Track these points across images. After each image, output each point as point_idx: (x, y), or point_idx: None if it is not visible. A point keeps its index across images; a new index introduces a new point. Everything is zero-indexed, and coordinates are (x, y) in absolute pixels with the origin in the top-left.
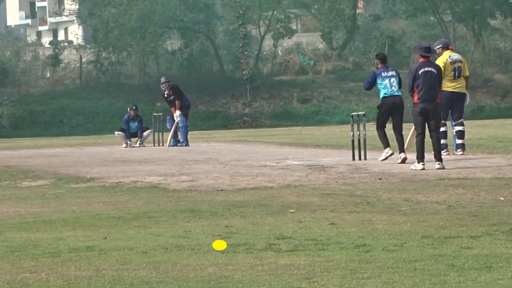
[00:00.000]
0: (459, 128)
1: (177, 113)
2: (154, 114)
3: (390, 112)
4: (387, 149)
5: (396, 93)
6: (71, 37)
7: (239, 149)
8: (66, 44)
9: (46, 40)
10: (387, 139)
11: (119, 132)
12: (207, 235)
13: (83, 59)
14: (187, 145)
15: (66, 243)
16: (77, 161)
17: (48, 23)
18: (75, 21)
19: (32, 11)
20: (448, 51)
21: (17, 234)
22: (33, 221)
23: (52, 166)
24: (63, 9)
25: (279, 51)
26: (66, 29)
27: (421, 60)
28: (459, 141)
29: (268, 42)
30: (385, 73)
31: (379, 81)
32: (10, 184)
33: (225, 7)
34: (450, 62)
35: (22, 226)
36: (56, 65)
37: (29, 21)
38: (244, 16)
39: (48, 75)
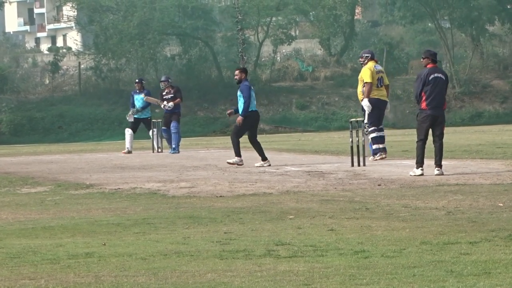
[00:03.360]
0: (381, 133)
1: (170, 104)
2: (154, 120)
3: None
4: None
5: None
6: (69, 43)
7: None
8: (65, 50)
9: (44, 46)
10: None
11: (128, 130)
12: (206, 241)
13: (82, 66)
14: (178, 152)
15: (65, 249)
16: (76, 168)
17: (46, 30)
18: (74, 27)
19: (30, 18)
20: (373, 61)
21: (16, 240)
22: (32, 228)
23: (51, 172)
24: (62, 16)
25: (277, 57)
26: (65, 36)
27: (429, 66)
28: (381, 146)
29: (266, 48)
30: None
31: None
32: (9, 190)
33: (223, 13)
34: (376, 72)
35: (21, 232)
36: (55, 71)
37: (27, 27)
38: (242, 21)
39: (47, 81)
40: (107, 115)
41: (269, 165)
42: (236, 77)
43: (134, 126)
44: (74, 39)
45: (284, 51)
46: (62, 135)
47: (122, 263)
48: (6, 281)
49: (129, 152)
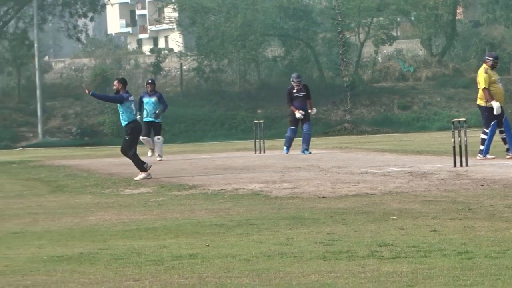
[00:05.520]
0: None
1: (313, 111)
2: (255, 121)
3: None
4: None
5: None
6: (171, 44)
7: (340, 156)
8: (167, 52)
9: (146, 48)
10: None
11: (145, 138)
12: (309, 242)
13: (184, 67)
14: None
15: (169, 250)
16: (179, 169)
17: (148, 31)
18: (176, 29)
19: (132, 19)
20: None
21: (120, 242)
22: (136, 229)
23: (154, 173)
24: (163, 17)
25: (379, 58)
26: (166, 37)
27: None
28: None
29: (367, 49)
30: None
31: None
32: (112, 192)
33: (324, 15)
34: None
35: (125, 234)
36: (157, 73)
37: (129, 29)
38: (342, 23)
39: None
40: (209, 116)
41: (151, 178)
42: (114, 87)
43: (148, 131)
44: (176, 41)
45: (385, 51)
46: (165, 136)
47: (225, 264)
48: (111, 282)
49: (160, 157)
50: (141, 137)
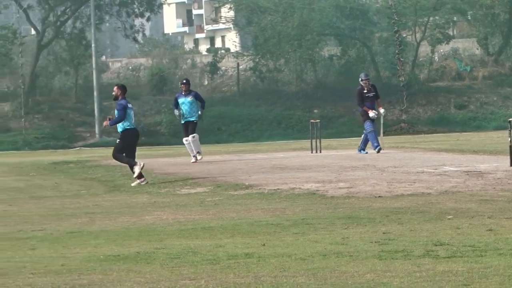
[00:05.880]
0: None
1: (382, 110)
2: (312, 120)
3: None
4: None
5: None
6: (228, 44)
7: (396, 156)
8: (223, 51)
9: (203, 47)
10: None
11: (187, 139)
12: (365, 241)
13: (241, 66)
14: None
15: (225, 250)
16: (235, 168)
17: (205, 31)
18: (232, 28)
19: (189, 19)
20: None
21: (176, 241)
22: (192, 228)
23: (210, 173)
24: (220, 17)
25: (435, 57)
26: (223, 37)
27: None
28: None
29: (424, 48)
30: None
31: None
32: (169, 191)
33: (380, 14)
34: None
35: (181, 233)
36: (214, 72)
37: (186, 29)
38: (399, 22)
39: (206, 82)
40: (266, 116)
41: (147, 182)
42: (113, 93)
43: (187, 133)
44: (232, 41)
45: (441, 50)
46: (221, 136)
47: (281, 264)
48: (167, 281)
49: (197, 158)
50: (183, 140)
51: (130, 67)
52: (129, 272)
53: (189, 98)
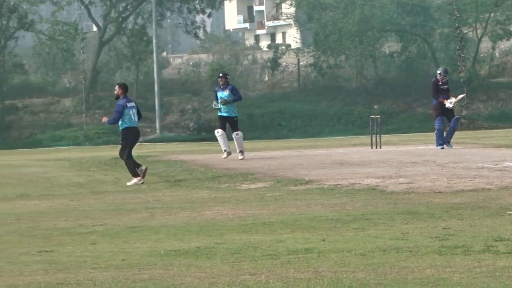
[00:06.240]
0: None
1: (454, 103)
2: (372, 116)
3: None
4: None
5: None
6: (288, 40)
7: (456, 151)
8: (284, 48)
9: (264, 43)
10: None
11: (219, 131)
12: (425, 237)
13: (301, 62)
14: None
15: (285, 245)
16: (295, 164)
17: (266, 27)
18: (293, 25)
19: (250, 15)
20: None
21: (236, 236)
22: (252, 223)
23: (271, 168)
24: (281, 13)
25: (496, 53)
26: (284, 33)
27: None
28: None
29: (484, 44)
30: None
31: None
32: (229, 186)
33: (441, 10)
34: None
35: (242, 228)
36: (274, 68)
37: (247, 25)
38: (460, 18)
39: (267, 78)
40: (326, 112)
41: (142, 182)
42: (115, 92)
43: (222, 126)
44: (293, 37)
45: (502, 46)
46: (282, 132)
47: (341, 259)
48: (227, 276)
49: (229, 153)
50: (215, 131)
51: (191, 63)
52: (189, 267)
53: (226, 92)
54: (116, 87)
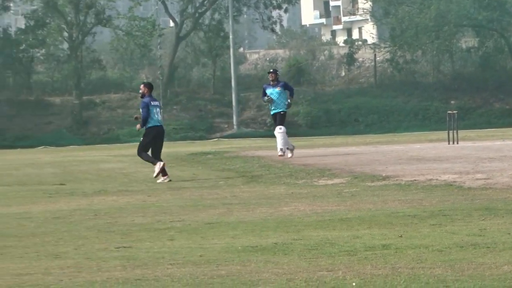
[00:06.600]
0: None
1: None
2: (449, 112)
3: None
4: None
5: None
6: (365, 36)
7: None
8: (360, 43)
9: (340, 39)
10: None
11: (281, 127)
12: (502, 233)
13: (378, 58)
14: None
15: (362, 241)
16: (372, 159)
17: (342, 22)
18: (369, 20)
19: (326, 11)
20: None
21: (313, 232)
22: (330, 219)
23: (348, 164)
24: (357, 8)
25: None
26: (360, 28)
27: None
28: None
29: None
30: None
31: None
32: (306, 182)
33: None
34: None
35: (319, 224)
36: (351, 64)
37: (323, 20)
38: None
39: (343, 73)
40: (403, 107)
41: (170, 180)
42: (140, 91)
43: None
44: (369, 32)
45: None
46: (358, 127)
47: (418, 255)
48: (304, 272)
49: (281, 151)
50: (277, 128)
51: (268, 58)
52: (266, 263)
53: (277, 89)
54: (142, 86)
